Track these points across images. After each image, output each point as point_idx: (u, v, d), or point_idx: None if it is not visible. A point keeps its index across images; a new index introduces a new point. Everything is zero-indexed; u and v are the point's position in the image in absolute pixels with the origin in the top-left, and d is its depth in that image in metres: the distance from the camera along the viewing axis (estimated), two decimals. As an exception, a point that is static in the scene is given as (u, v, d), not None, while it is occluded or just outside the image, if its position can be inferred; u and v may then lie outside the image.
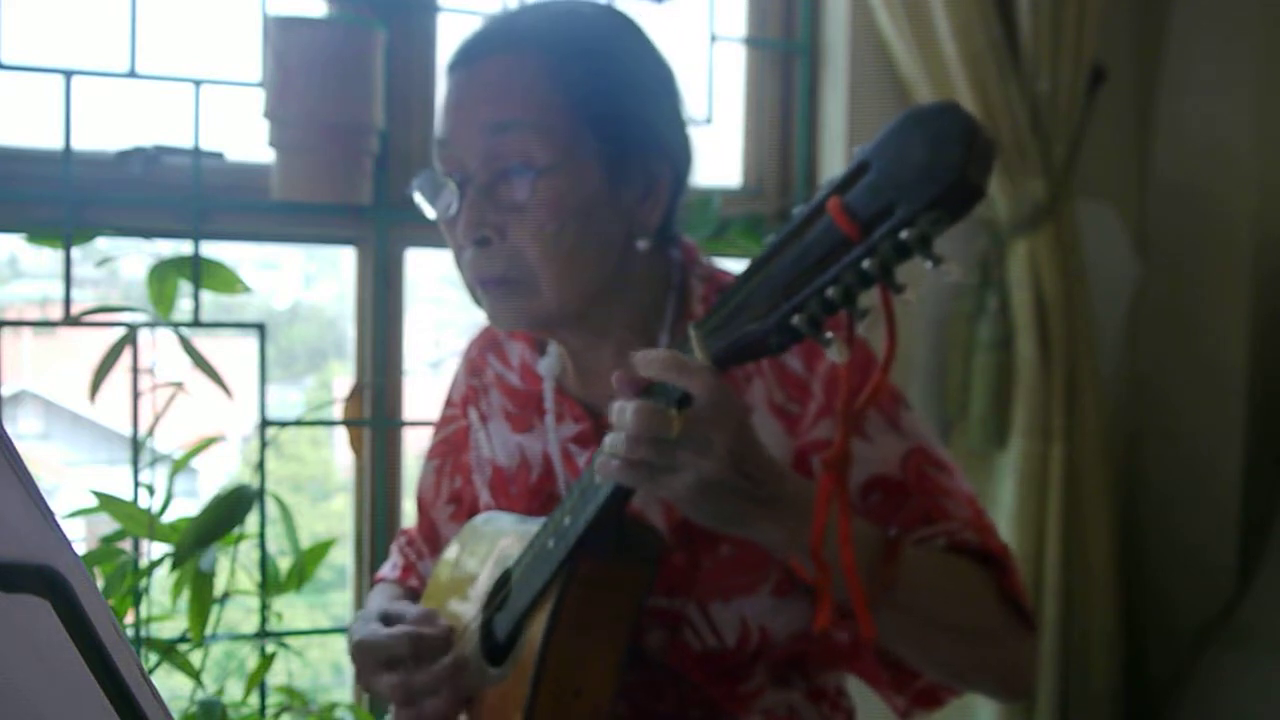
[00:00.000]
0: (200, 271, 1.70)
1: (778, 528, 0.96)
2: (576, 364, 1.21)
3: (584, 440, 1.20)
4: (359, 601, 1.92)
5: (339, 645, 3.52)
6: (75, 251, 1.67)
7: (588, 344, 1.18)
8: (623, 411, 0.92)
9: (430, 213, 1.15)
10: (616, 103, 1.10)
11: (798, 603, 1.15)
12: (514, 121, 1.07)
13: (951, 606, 1.07)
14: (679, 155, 1.15)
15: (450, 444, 1.36)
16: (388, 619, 1.18)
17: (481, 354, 1.33)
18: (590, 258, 1.11)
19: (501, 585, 1.16)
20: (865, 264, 0.79)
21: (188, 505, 1.75)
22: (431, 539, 1.39)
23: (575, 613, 1.06)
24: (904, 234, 0.76)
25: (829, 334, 0.82)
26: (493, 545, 1.21)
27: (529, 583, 1.09)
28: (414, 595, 1.37)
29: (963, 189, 0.76)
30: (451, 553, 1.28)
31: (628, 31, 1.15)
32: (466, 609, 1.20)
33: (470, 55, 1.12)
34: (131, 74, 1.69)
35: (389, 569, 1.43)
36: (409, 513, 1.88)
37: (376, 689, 1.17)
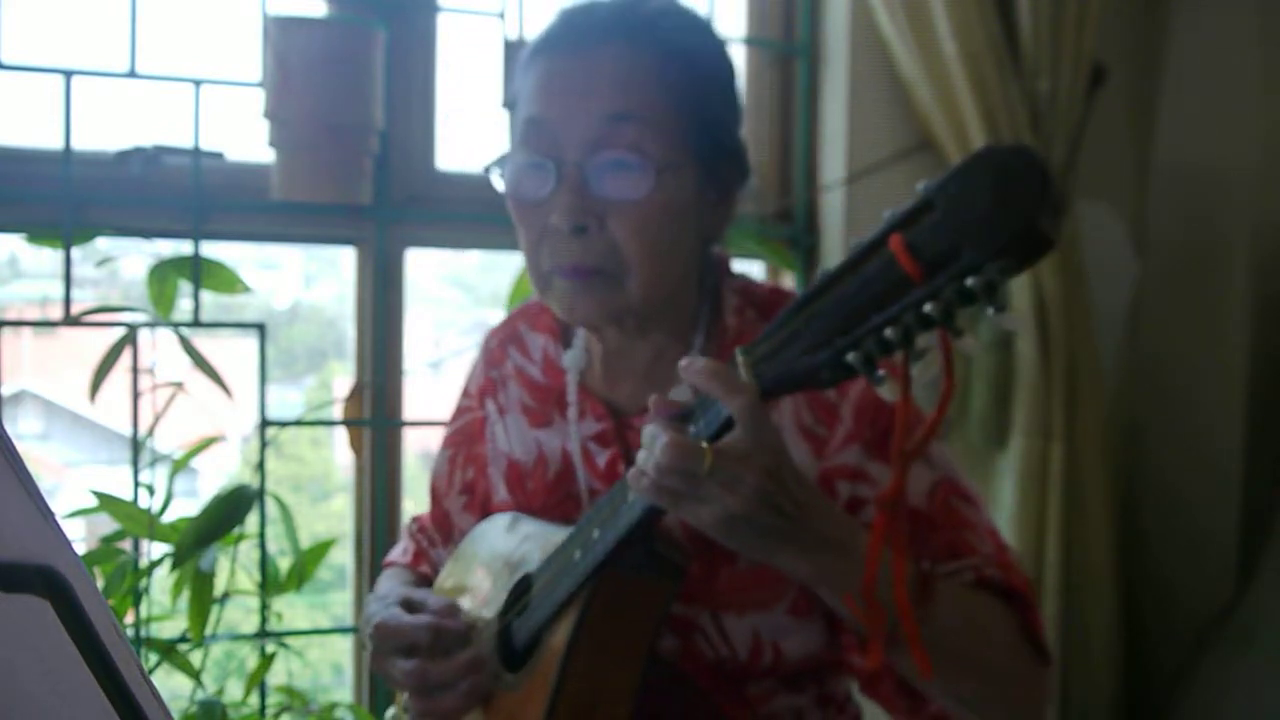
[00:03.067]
0: (200, 271, 1.70)
1: (805, 562, 0.96)
2: (607, 362, 1.20)
3: (604, 440, 1.19)
4: (359, 601, 1.92)
5: (339, 645, 3.52)
6: (75, 251, 1.67)
7: (625, 343, 1.18)
8: (655, 439, 0.91)
9: (504, 190, 1.13)
10: (712, 108, 1.12)
11: (814, 623, 1.15)
12: (631, 114, 1.06)
13: (976, 644, 1.06)
14: (745, 164, 1.17)
15: (464, 434, 1.35)
16: (410, 605, 1.17)
17: (501, 346, 1.32)
18: (678, 258, 1.12)
19: (521, 591, 1.15)
20: (927, 307, 0.77)
21: (188, 505, 1.75)
22: (444, 527, 1.37)
23: (599, 625, 1.05)
24: (970, 281, 0.75)
25: (881, 372, 0.81)
26: (510, 547, 1.20)
27: (552, 593, 1.08)
28: (425, 581, 1.36)
29: (1034, 239, 0.74)
30: (466, 550, 1.27)
31: (716, 37, 1.17)
32: (482, 608, 1.19)
33: (581, 39, 1.10)
34: (131, 74, 1.69)
35: (399, 553, 1.42)
36: (409, 512, 1.88)
37: (391, 673, 1.16)
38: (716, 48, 1.16)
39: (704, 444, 0.89)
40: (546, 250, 1.10)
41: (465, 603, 1.22)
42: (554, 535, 1.13)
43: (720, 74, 1.15)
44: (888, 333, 0.79)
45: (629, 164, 1.06)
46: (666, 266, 1.10)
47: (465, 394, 1.36)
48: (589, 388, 1.21)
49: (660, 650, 1.13)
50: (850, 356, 0.81)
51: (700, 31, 1.15)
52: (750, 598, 1.13)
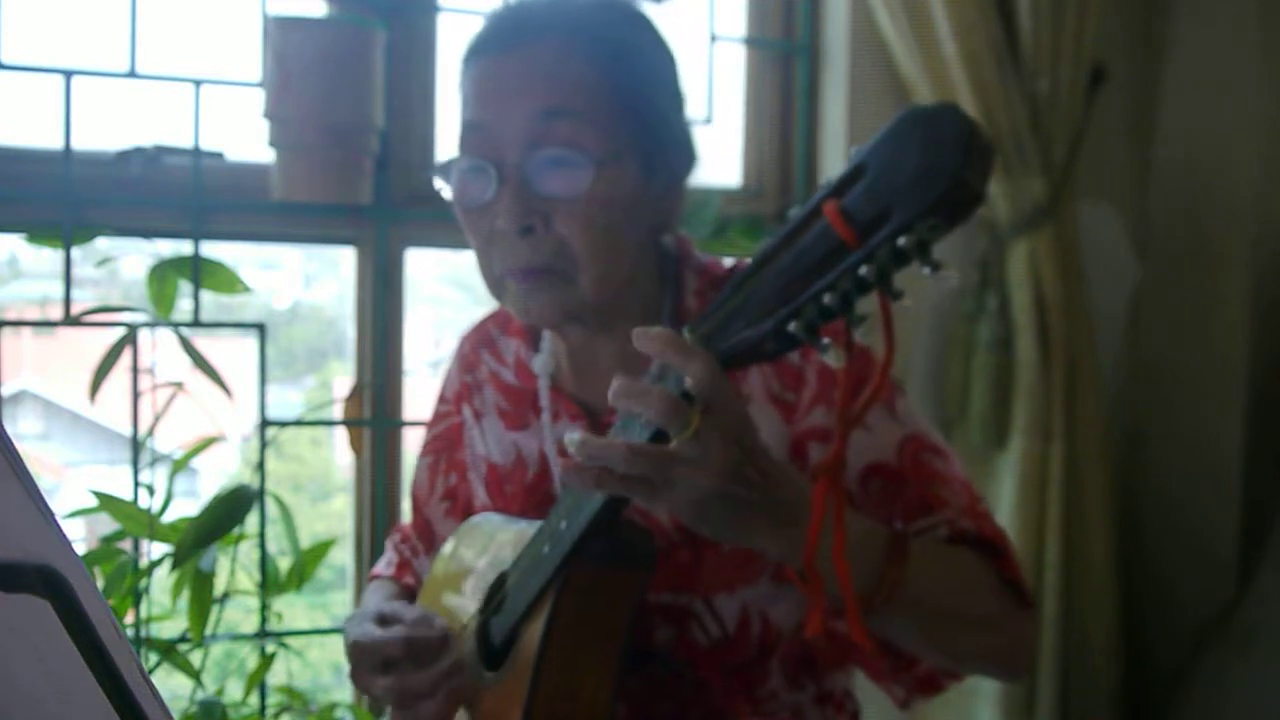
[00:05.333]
0: (200, 271, 1.70)
1: (776, 535, 0.95)
2: (574, 361, 1.20)
3: None
4: (359, 601, 1.91)
5: (339, 645, 3.51)
6: (75, 251, 1.67)
7: (589, 339, 1.17)
8: (645, 394, 0.89)
9: (450, 197, 1.12)
10: (651, 97, 1.11)
11: (797, 590, 1.14)
12: (565, 109, 1.06)
13: (954, 598, 1.07)
14: (692, 151, 1.17)
15: (444, 440, 1.36)
16: (384, 620, 1.16)
17: (475, 350, 1.32)
18: (627, 250, 1.11)
19: (497, 588, 1.16)
20: (863, 270, 0.77)
21: (188, 505, 1.75)
22: (426, 536, 1.38)
23: (571, 618, 1.05)
24: (901, 240, 0.75)
25: (825, 340, 0.80)
26: (488, 547, 1.20)
27: (524, 588, 1.09)
28: (409, 593, 1.36)
29: (961, 194, 0.74)
30: (447, 553, 1.27)
31: (650, 27, 1.16)
32: (462, 610, 1.20)
33: (511, 38, 1.09)
34: (131, 74, 1.69)
35: (383, 565, 1.42)
36: (409, 512, 1.88)
37: (372, 691, 1.15)
38: (649, 37, 1.15)
39: (687, 404, 0.87)
40: (496, 254, 1.10)
41: (450, 605, 1.22)
42: (528, 529, 1.13)
43: (655, 62, 1.14)
44: (827, 299, 0.79)
45: (567, 160, 1.05)
46: (616, 259, 1.10)
47: (442, 399, 1.36)
48: (561, 389, 1.21)
49: (656, 642, 1.13)
50: (792, 326, 0.81)
51: (632, 22, 1.14)
52: (737, 574, 1.13)
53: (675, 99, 1.16)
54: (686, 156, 1.16)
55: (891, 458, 1.11)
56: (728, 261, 1.23)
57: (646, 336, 0.90)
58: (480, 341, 1.32)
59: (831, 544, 0.88)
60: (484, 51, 1.11)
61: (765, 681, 1.17)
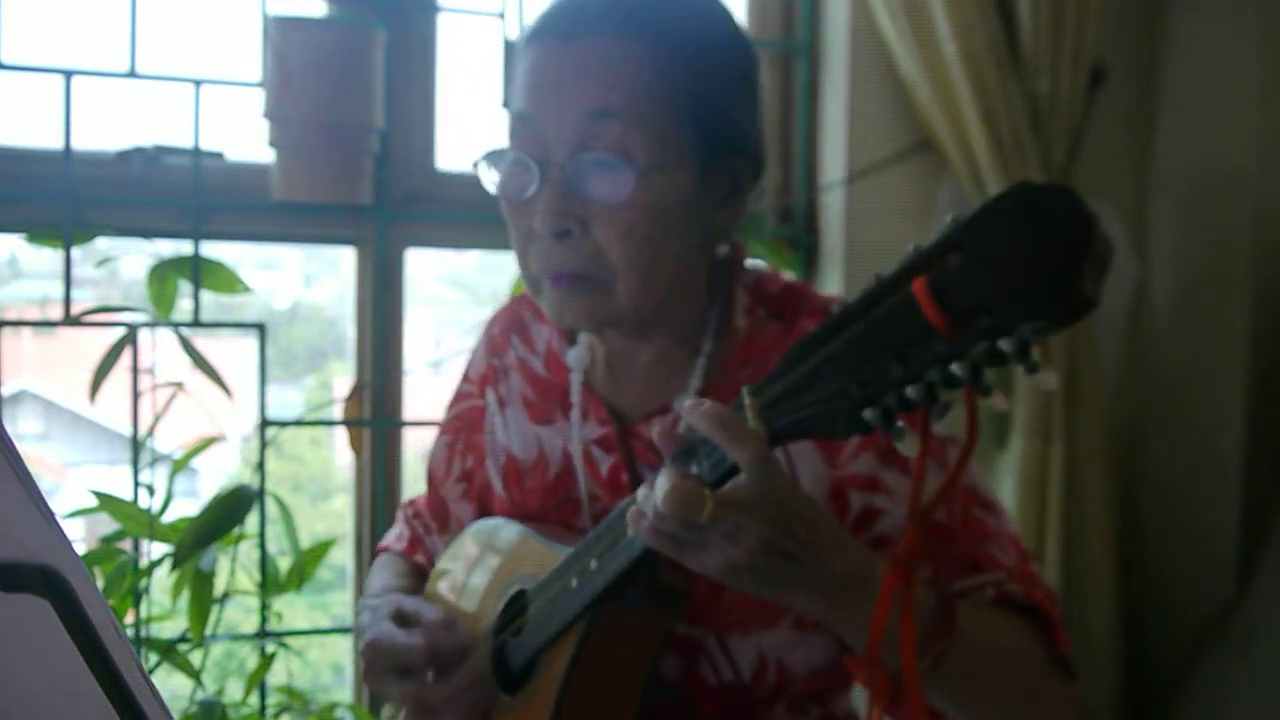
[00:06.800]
0: (200, 271, 1.70)
1: (817, 602, 0.90)
2: (610, 363, 1.15)
3: (607, 445, 1.14)
4: (360, 595, 1.91)
5: (339, 645, 3.52)
6: (75, 251, 1.67)
7: (627, 345, 1.13)
8: (656, 485, 0.85)
9: (493, 188, 1.07)
10: (716, 101, 1.04)
11: (819, 637, 1.11)
12: (616, 110, 0.99)
13: (999, 668, 1.02)
14: (759, 158, 1.10)
15: (464, 421, 1.30)
16: (403, 618, 1.13)
17: (504, 334, 1.26)
18: (671, 262, 1.04)
19: (517, 609, 1.12)
20: (954, 367, 0.70)
21: (188, 505, 1.75)
22: (440, 514, 1.33)
23: (597, 656, 1.03)
24: (1003, 343, 0.67)
25: (900, 424, 0.74)
26: (507, 559, 1.17)
27: (548, 619, 1.05)
28: (419, 571, 1.33)
29: (1075, 299, 0.66)
30: (459, 555, 1.24)
31: (729, 23, 1.08)
32: (475, 621, 1.17)
33: (569, 28, 1.02)
34: (131, 74, 1.69)
35: (393, 539, 1.38)
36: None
37: (385, 693, 1.12)
38: (723, 34, 1.07)
39: (705, 490, 0.83)
40: (533, 252, 1.05)
41: (463, 612, 1.19)
42: (552, 551, 1.09)
43: (727, 63, 1.06)
44: (909, 391, 0.72)
45: (611, 165, 0.99)
46: (657, 271, 1.03)
47: (466, 379, 1.31)
48: (593, 388, 1.16)
49: (664, 672, 1.10)
50: (868, 414, 0.75)
51: (704, 17, 1.06)
52: (756, 616, 1.09)
53: (746, 101, 1.08)
54: (752, 164, 1.08)
55: (940, 512, 1.04)
56: (786, 276, 1.16)
57: (696, 412, 0.84)
58: (510, 325, 1.26)
59: (899, 637, 0.82)
60: (540, 40, 1.04)
61: (768, 715, 1.13)
